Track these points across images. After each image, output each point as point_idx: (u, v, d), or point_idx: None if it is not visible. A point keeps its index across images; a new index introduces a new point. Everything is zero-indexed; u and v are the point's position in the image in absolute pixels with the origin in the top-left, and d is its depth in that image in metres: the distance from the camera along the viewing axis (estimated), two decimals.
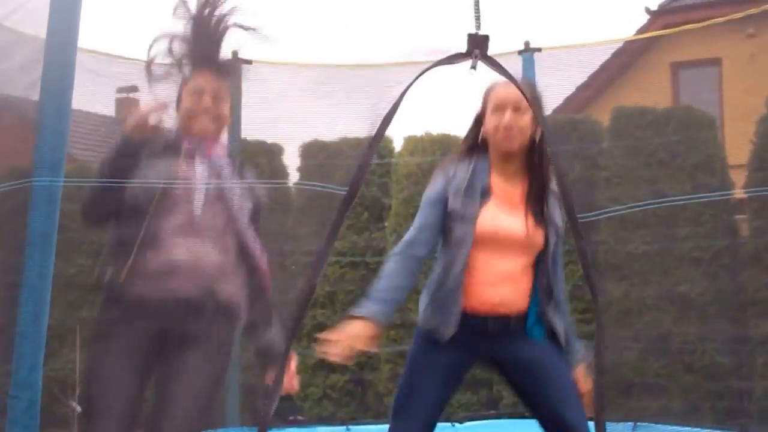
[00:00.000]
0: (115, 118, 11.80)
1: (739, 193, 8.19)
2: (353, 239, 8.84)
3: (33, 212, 3.07)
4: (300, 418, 8.50)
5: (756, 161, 7.90)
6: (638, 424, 5.96)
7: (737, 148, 8.24)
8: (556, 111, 8.74)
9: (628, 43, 10.39)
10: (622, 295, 7.82)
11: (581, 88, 10.79)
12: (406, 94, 3.05)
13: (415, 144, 8.96)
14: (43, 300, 3.10)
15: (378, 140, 3.02)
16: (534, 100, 3.55)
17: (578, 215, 3.50)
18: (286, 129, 8.04)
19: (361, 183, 3.20)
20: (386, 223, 9.01)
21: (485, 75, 3.22)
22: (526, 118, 3.64)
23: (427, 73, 3.06)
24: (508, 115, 3.61)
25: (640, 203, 4.01)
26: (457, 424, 6.85)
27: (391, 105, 3.02)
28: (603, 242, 7.82)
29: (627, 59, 12.21)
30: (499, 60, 3.08)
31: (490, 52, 3.08)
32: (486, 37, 3.00)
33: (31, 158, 3.14)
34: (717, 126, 8.49)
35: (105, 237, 3.53)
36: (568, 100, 10.34)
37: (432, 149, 8.83)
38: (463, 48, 3.08)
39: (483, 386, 8.16)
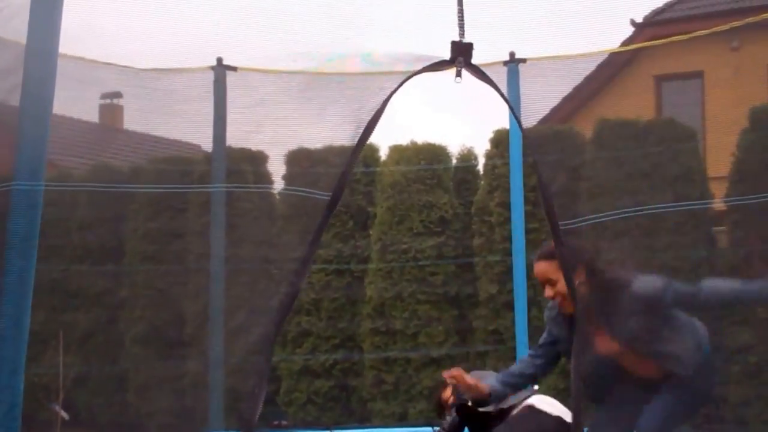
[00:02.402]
0: (99, 125, 11.79)
1: (718, 204, 8.26)
2: (338, 247, 8.88)
3: (14, 216, 3.10)
4: (284, 423, 8.53)
5: (737, 173, 7.97)
6: None
7: (718, 161, 8.32)
8: (542, 122, 8.80)
9: (613, 56, 10.47)
10: None
11: (566, 99, 10.86)
12: (393, 104, 3.08)
13: (400, 153, 9.00)
14: (24, 304, 3.11)
15: (361, 147, 3.05)
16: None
17: (559, 222, 3.57)
18: (271, 137, 8.09)
19: (344, 189, 3.25)
20: (371, 232, 9.05)
21: (472, 86, 3.26)
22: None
23: (413, 83, 3.09)
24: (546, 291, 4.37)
25: (619, 211, 4.09)
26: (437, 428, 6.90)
27: (373, 112, 3.06)
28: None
29: (611, 71, 12.30)
30: (485, 71, 3.11)
31: (475, 63, 3.10)
32: (470, 45, 3.02)
33: (8, 163, 3.18)
34: (698, 138, 8.57)
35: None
36: (554, 111, 10.41)
37: (417, 159, 8.89)
38: (446, 56, 3.11)
39: None
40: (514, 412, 4.87)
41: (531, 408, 4.81)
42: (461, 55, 3.02)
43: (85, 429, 8.54)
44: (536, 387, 5.06)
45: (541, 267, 4.36)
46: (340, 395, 8.80)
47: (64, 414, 8.20)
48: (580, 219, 3.69)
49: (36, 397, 8.26)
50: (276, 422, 8.45)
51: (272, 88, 6.77)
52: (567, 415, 4.53)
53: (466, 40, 3.04)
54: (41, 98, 3.05)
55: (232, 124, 7.13)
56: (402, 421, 8.21)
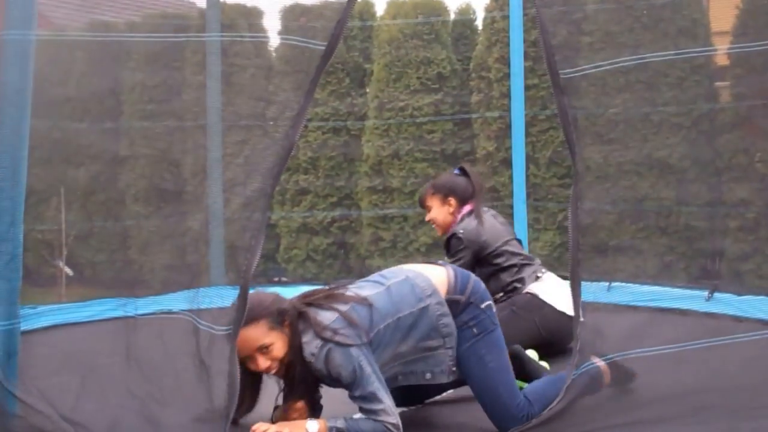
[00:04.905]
0: None
1: (721, 59, 8.15)
2: (335, 105, 8.83)
3: (6, 67, 3.04)
4: (284, 279, 8.67)
5: (740, 27, 7.83)
6: (613, 283, 6.08)
7: (722, 14, 8.16)
8: None
9: None
10: (601, 160, 7.89)
11: None
12: None
13: (397, 8, 8.85)
14: (20, 156, 3.07)
15: None
16: None
17: (560, 71, 3.54)
18: None
19: (340, 38, 3.21)
20: (368, 89, 8.98)
21: None
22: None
23: None
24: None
25: (618, 60, 4.02)
26: None
27: None
28: (583, 107, 7.84)
29: None
30: None
31: None
32: None
33: None
34: None
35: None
36: None
37: (414, 13, 8.75)
38: None
39: None
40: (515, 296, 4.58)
41: (533, 297, 4.56)
42: None
43: (89, 285, 8.67)
44: (543, 272, 4.67)
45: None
46: (338, 252, 8.92)
47: (67, 270, 8.35)
48: (578, 69, 3.62)
49: (40, 253, 8.38)
50: (276, 278, 8.59)
51: None
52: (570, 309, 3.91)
53: None
54: None
55: None
56: None
